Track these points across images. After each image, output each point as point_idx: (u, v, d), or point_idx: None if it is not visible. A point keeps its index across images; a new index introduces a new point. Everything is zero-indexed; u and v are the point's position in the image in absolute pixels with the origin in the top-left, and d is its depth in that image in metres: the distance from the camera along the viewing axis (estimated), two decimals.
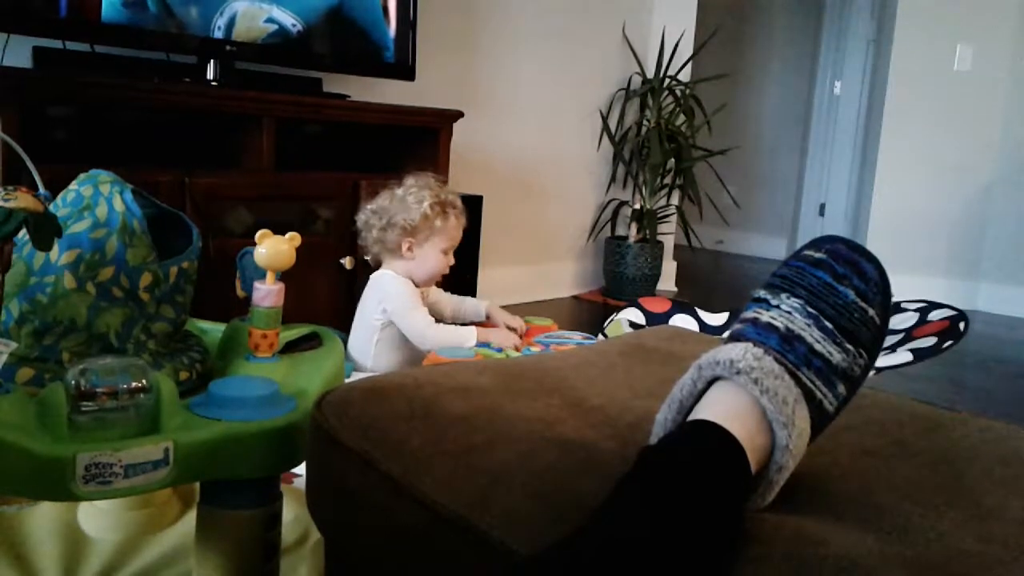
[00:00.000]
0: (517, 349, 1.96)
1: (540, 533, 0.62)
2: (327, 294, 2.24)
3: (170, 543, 1.17)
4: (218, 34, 2.19)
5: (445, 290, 2.22)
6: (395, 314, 1.96)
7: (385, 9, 2.54)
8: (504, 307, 2.19)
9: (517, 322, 2.14)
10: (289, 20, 2.32)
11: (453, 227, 1.99)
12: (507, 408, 0.81)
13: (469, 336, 1.95)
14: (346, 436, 0.78)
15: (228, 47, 2.19)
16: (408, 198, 1.94)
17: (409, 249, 1.96)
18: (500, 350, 1.94)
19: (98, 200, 1.02)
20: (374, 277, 2.02)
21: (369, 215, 1.99)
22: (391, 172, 2.07)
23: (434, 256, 1.98)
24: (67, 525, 1.19)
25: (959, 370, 2.89)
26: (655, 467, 0.61)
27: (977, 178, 4.06)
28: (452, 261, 2.03)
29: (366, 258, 2.07)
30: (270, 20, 2.29)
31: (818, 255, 0.70)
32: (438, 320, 2.10)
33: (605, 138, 3.74)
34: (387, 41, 2.56)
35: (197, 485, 1.01)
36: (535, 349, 1.95)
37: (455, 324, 2.15)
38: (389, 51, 2.56)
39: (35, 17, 1.90)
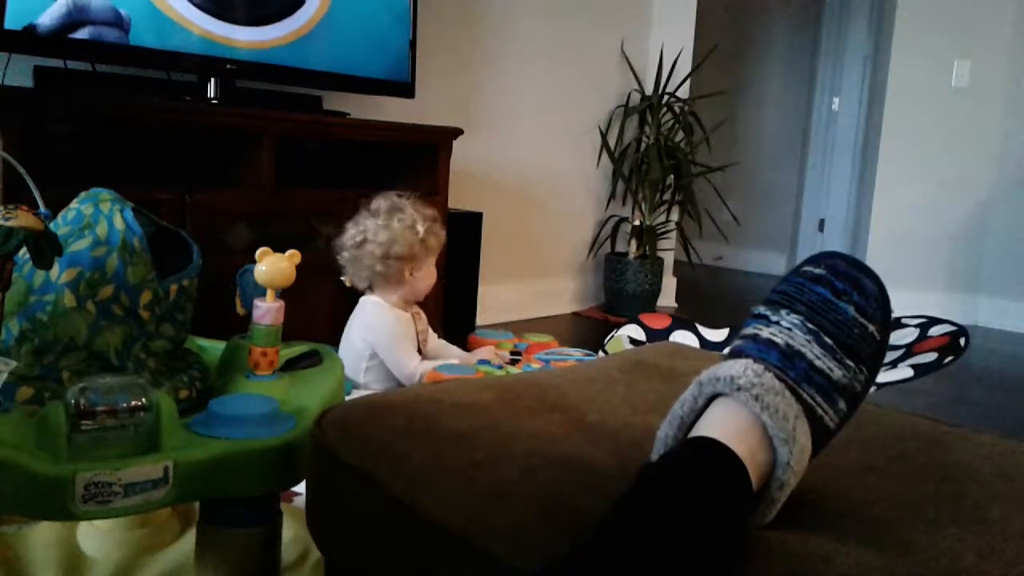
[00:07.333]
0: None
1: (541, 550, 0.62)
2: (327, 312, 2.24)
3: (170, 562, 1.16)
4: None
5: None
6: (378, 347, 1.96)
7: (387, 28, 2.56)
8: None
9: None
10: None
11: (442, 240, 2.04)
12: (508, 425, 0.81)
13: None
14: (346, 454, 0.78)
15: (229, 65, 2.21)
16: (396, 226, 1.94)
17: (411, 274, 1.98)
18: (500, 367, 1.94)
19: (98, 218, 1.02)
20: (361, 303, 2.03)
21: (357, 252, 1.97)
22: (391, 189, 2.07)
23: (430, 272, 2.03)
24: (66, 545, 1.18)
25: (959, 385, 2.89)
26: (656, 484, 0.61)
27: (975, 193, 4.06)
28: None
29: (344, 281, 2.04)
30: None
31: (818, 271, 0.70)
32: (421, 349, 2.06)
33: (604, 154, 3.75)
34: (387, 59, 2.57)
35: (197, 504, 1.00)
36: (535, 366, 1.95)
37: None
38: (389, 69, 2.58)
39: (36, 37, 1.91)
